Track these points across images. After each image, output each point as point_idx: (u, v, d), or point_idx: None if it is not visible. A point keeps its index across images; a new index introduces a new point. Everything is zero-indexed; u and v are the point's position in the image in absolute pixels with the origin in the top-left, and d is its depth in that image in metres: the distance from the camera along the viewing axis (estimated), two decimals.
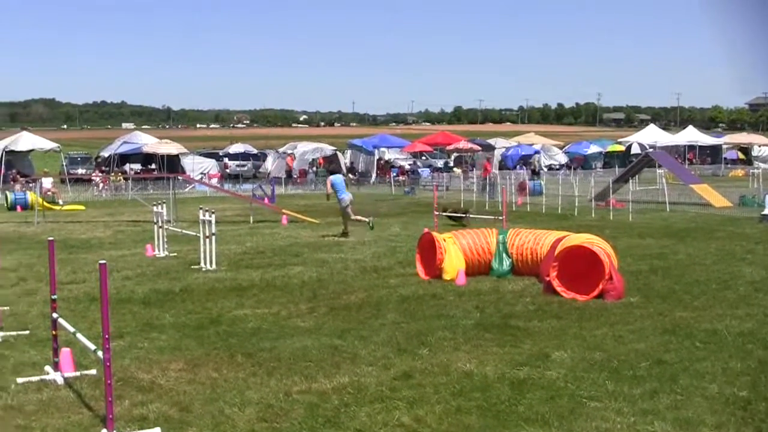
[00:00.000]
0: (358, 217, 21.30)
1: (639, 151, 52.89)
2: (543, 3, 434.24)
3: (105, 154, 49.59)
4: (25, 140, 44.81)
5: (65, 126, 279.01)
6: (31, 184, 35.22)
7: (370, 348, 9.46)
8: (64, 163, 47.02)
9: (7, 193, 32.94)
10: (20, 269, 15.61)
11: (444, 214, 22.66)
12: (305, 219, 25.06)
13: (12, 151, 43.47)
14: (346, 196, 20.88)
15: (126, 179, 42.10)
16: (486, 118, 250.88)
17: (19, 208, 31.21)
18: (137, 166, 47.65)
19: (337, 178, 21.37)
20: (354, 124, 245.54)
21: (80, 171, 48.31)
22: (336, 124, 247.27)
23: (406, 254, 16.79)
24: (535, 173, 43.65)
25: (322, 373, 8.39)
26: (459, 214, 23.50)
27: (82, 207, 31.89)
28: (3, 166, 42.08)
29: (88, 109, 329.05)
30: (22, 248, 18.93)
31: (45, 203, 29.33)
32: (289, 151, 51.04)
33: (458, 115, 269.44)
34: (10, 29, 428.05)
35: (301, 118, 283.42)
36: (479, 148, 52.63)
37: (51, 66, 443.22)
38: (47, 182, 34.54)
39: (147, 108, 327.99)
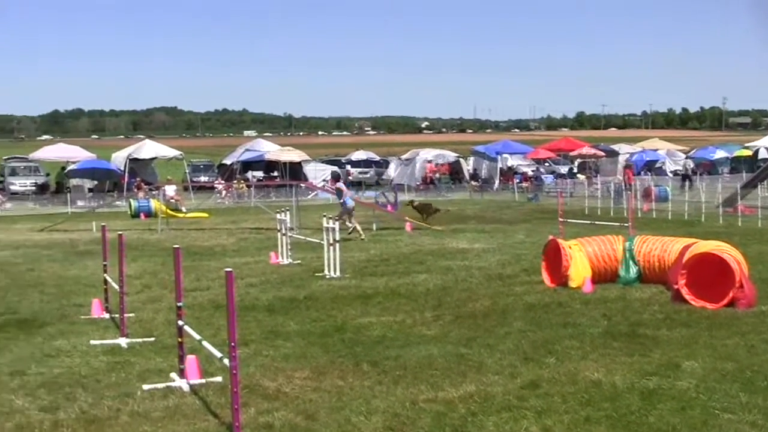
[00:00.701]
0: (352, 225, 22.91)
1: (767, 156, 51.66)
2: (666, 6, 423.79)
3: (227, 161, 51.56)
4: (149, 148, 47.23)
5: (186, 134, 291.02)
6: (154, 192, 37.06)
7: (496, 356, 9.59)
8: (187, 171, 49.21)
9: (131, 200, 34.79)
10: (145, 276, 16.56)
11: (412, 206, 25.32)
12: (429, 226, 25.43)
13: (135, 159, 45.84)
14: (351, 203, 23.62)
15: (249, 187, 43.67)
16: (609, 123, 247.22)
17: (142, 215, 32.91)
18: (260, 174, 49.33)
19: (342, 185, 24.78)
20: (470, 130, 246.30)
21: (203, 179, 50.36)
22: (468, 130, 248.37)
23: (531, 261, 16.90)
24: (686, 178, 43.11)
25: (448, 382, 8.55)
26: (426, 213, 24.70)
27: (206, 214, 33.27)
28: (126, 174, 44.45)
29: (209, 117, 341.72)
30: (146, 255, 20.04)
31: (168, 211, 30.85)
32: (429, 158, 51.94)
33: (581, 121, 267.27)
34: (134, 38, 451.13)
35: (423, 125, 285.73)
36: (603, 153, 52.33)
37: (173, 74, 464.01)
38: (170, 190, 36.25)
39: (268, 116, 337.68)
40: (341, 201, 23.97)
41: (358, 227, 23.04)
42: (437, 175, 50.94)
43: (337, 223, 16.70)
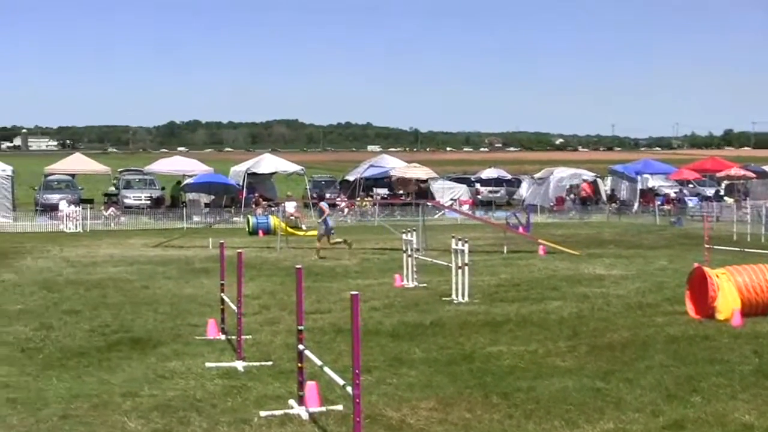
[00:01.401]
0: (323, 246, 25.49)
1: None
2: None
3: (350, 177, 52.38)
4: (268, 162, 48.42)
5: (307, 148, 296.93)
6: (273, 208, 38.10)
7: (636, 392, 9.49)
8: (308, 187, 50.26)
9: (249, 217, 35.85)
10: (263, 297, 17.05)
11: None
12: (564, 250, 25.20)
13: (254, 174, 47.08)
14: (331, 224, 26.40)
15: (373, 204, 44.26)
16: (760, 142, 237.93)
17: (261, 232, 33.87)
18: (384, 191, 49.91)
19: (325, 205, 26.96)
20: (602, 148, 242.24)
21: (325, 195, 51.49)
22: (601, 148, 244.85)
23: (674, 290, 16.60)
24: None
25: (584, 418, 8.53)
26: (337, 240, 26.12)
27: None
28: (245, 189, 45.74)
29: (331, 131, 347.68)
30: (264, 275, 20.64)
31: (288, 228, 31.66)
32: (585, 177, 51.54)
33: (728, 139, 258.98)
34: (254, 49, 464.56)
35: (557, 141, 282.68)
36: (754, 175, 50.77)
37: (294, 86, 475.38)
38: (290, 206, 37.14)
39: (393, 130, 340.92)
40: (321, 220, 26.04)
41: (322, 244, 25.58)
42: (573, 196, 50.33)
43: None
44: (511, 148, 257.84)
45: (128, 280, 19.81)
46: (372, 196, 47.72)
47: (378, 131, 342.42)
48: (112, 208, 41.00)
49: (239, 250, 11.67)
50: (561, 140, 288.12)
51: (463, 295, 16.27)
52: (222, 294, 12.95)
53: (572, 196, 50.29)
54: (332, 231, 26.35)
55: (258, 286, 18.60)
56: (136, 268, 22.29)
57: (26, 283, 19.27)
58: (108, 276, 20.60)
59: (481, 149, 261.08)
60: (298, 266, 8.91)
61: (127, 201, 45.89)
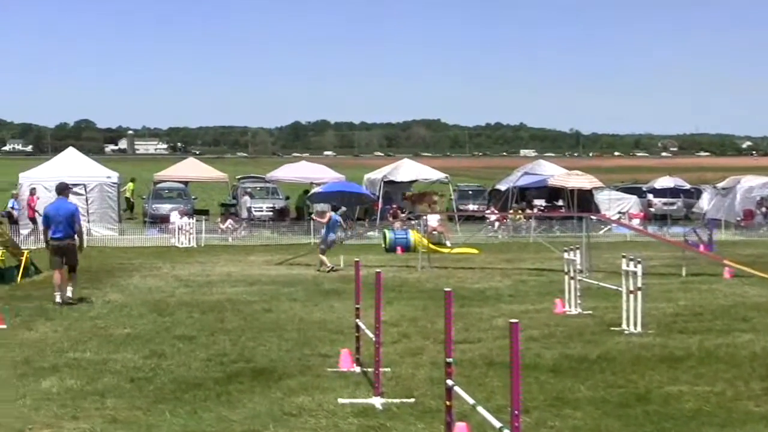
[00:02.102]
0: (325, 260, 27.59)
1: None
2: None
3: (501, 186, 52.27)
4: (407, 169, 48.77)
5: (451, 152, 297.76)
6: (413, 222, 38.38)
7: None
8: (453, 198, 50.41)
9: (386, 231, 36.22)
10: (402, 323, 17.21)
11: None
12: (755, 273, 24.49)
13: (391, 182, 47.57)
14: (333, 237, 28.63)
15: (527, 218, 44.04)
16: None
17: (399, 249, 34.20)
18: (541, 202, 49.57)
19: (337, 216, 29.32)
20: None
21: (471, 207, 51.43)
22: None
23: None
24: None
25: None
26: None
27: (475, 250, 34.07)
28: (381, 199, 46.22)
29: (479, 133, 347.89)
30: (404, 298, 20.82)
31: (431, 245, 31.85)
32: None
33: None
34: (391, 42, 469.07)
35: (744, 145, 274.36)
36: None
37: (435, 82, 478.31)
38: (433, 220, 37.26)
39: (550, 132, 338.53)
40: (326, 234, 28.39)
41: (325, 260, 27.53)
42: (765, 209, 48.77)
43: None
44: (690, 153, 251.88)
45: (248, 302, 20.30)
46: (525, 208, 47.41)
47: (533, 133, 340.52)
48: (229, 221, 42.04)
49: (377, 270, 11.80)
50: (749, 143, 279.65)
51: (635, 325, 16.06)
52: (357, 320, 13.13)
53: (764, 209, 48.75)
54: (332, 244, 28.70)
55: (397, 310, 18.78)
56: (258, 289, 22.84)
57: (134, 304, 19.99)
58: (225, 297, 21.16)
59: (655, 154, 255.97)
60: (447, 289, 8.95)
61: (245, 213, 46.96)
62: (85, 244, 21.55)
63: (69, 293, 20.19)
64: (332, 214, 29.57)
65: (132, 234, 40.07)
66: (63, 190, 20.90)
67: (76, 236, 20.20)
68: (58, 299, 19.75)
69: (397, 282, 24.20)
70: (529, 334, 15.75)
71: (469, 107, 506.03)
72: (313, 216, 29.63)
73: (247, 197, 47.18)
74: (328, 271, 27.06)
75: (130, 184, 53.94)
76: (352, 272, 26.15)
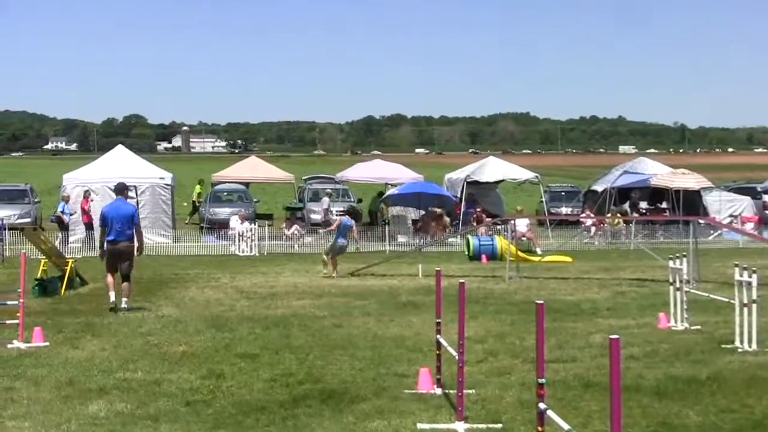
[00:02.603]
0: (327, 261, 29.31)
1: None
2: None
3: (598, 187, 51.81)
4: (493, 168, 48.43)
5: (541, 149, 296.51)
6: (500, 227, 38.25)
7: None
8: (544, 199, 50.05)
9: (469, 237, 36.16)
10: (488, 340, 17.16)
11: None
12: None
13: (475, 182, 47.35)
14: (343, 242, 29.73)
15: (627, 222, 43.63)
16: None
17: (484, 258, 34.16)
18: (643, 205, 49.06)
19: (350, 221, 30.37)
20: None
21: (564, 210, 51.05)
22: None
23: None
24: None
25: None
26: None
27: (569, 258, 34.03)
28: (463, 201, 46.07)
29: (572, 127, 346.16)
30: (489, 312, 20.77)
31: (519, 252, 31.73)
32: None
33: None
34: (473, 30, 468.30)
35: None
36: None
37: (523, 73, 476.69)
38: (522, 225, 37.13)
39: (653, 126, 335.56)
40: (336, 238, 29.47)
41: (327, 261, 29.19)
42: None
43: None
44: None
45: (317, 317, 20.43)
46: (624, 212, 46.93)
47: (633, 127, 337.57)
48: (295, 226, 42.20)
49: (460, 280, 11.80)
50: None
51: (749, 342, 15.86)
52: (438, 336, 13.13)
53: None
54: (341, 251, 29.91)
55: (482, 325, 18.80)
56: (326, 302, 22.97)
57: (190, 319, 20.19)
58: (291, 311, 21.31)
59: None
60: (538, 301, 8.94)
61: (314, 217, 47.12)
62: (144, 247, 22.61)
63: (124, 304, 21.01)
64: (344, 218, 30.45)
65: (188, 241, 40.44)
66: (122, 190, 21.99)
67: (135, 240, 21.26)
68: (113, 299, 21.02)
69: (482, 294, 24.20)
70: (630, 352, 15.63)
71: (561, 99, 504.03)
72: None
73: (326, 198, 47.31)
74: (326, 276, 28.60)
75: (198, 187, 54.52)
76: (426, 282, 26.33)
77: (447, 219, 42.57)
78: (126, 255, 21.13)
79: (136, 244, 21.48)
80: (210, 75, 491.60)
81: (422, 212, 46.29)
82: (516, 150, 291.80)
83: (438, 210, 42.66)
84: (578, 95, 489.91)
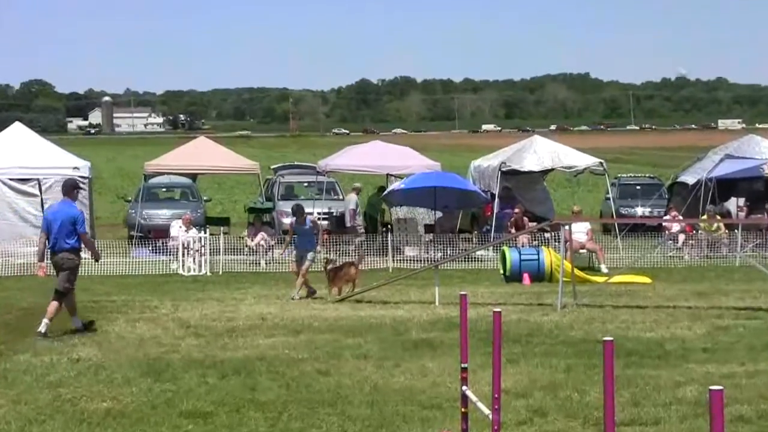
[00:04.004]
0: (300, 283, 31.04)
1: None
2: None
3: (687, 178, 51.63)
4: (538, 151, 48.12)
5: (604, 125, 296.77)
6: (548, 234, 38.20)
7: None
8: (611, 195, 49.90)
9: (506, 250, 35.73)
10: (534, 393, 17.14)
11: None
12: None
13: (513, 172, 47.29)
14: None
15: (730, 228, 43.46)
16: None
17: (526, 277, 34.12)
18: (752, 203, 48.87)
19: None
20: None
21: (640, 210, 51.08)
22: None
23: None
24: None
25: None
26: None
27: (647, 279, 34.19)
28: (497, 199, 45.95)
29: (650, 94, 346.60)
30: (535, 354, 20.76)
31: (577, 270, 31.62)
32: None
33: None
34: None
35: None
36: None
37: (579, 27, 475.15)
38: (580, 231, 37.11)
39: (766, 90, 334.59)
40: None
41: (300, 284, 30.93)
42: None
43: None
44: None
45: (293, 361, 20.42)
46: (726, 213, 46.94)
47: (738, 93, 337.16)
48: (262, 235, 42.21)
49: (494, 309, 11.78)
50: None
51: None
52: (464, 388, 13.11)
53: None
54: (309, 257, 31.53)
55: (526, 373, 18.83)
56: (307, 340, 22.98)
57: (117, 364, 20.17)
58: (257, 353, 21.31)
59: None
60: (605, 339, 8.89)
61: (287, 221, 47.16)
62: (99, 254, 25.88)
63: (42, 326, 22.73)
64: (309, 216, 32.54)
65: (111, 256, 40.39)
66: (69, 189, 24.68)
67: (72, 250, 23.77)
68: (42, 328, 22.94)
69: (525, 328, 24.23)
70: (738, 412, 15.69)
71: (634, 54, 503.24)
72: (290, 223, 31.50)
73: (353, 195, 47.09)
74: (294, 298, 30.21)
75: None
76: (445, 312, 26.27)
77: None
78: (62, 267, 23.47)
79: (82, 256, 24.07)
80: (140, 26, 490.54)
81: (438, 214, 46.23)
82: (571, 126, 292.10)
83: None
84: (658, 48, 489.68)
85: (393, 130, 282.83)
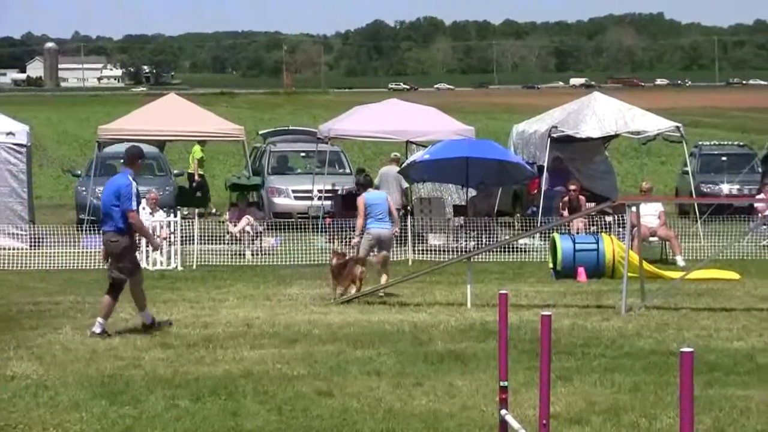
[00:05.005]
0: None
1: None
2: None
3: None
4: (599, 113, 47.97)
5: (683, 79, 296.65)
6: (610, 218, 38.23)
7: None
8: (690, 169, 49.97)
9: (556, 237, 35.64)
10: (592, 418, 17.10)
11: None
12: None
13: (567, 139, 47.30)
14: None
15: None
16: None
17: (581, 272, 34.31)
18: None
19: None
20: None
21: (725, 188, 51.14)
22: None
23: None
24: None
25: None
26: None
27: (734, 274, 34.32)
28: (545, 174, 45.97)
29: (741, 39, 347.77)
30: (593, 369, 20.77)
31: (647, 264, 31.56)
32: None
33: None
34: None
35: None
36: None
37: None
38: (650, 214, 37.09)
39: None
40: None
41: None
42: None
43: None
44: None
45: (287, 379, 20.51)
46: None
47: None
48: (247, 218, 42.26)
49: (542, 313, 11.83)
50: None
51: None
52: (503, 411, 13.19)
53: None
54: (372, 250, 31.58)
55: (580, 392, 18.86)
56: (304, 352, 23.07)
57: (62, 383, 20.21)
58: (242, 368, 21.39)
59: None
60: (684, 349, 8.95)
61: (279, 202, 47.14)
62: (157, 243, 28.43)
63: (97, 326, 24.32)
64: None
65: (56, 245, 40.44)
66: (130, 159, 26.15)
67: (118, 231, 24.73)
68: (96, 328, 24.54)
69: (581, 337, 24.34)
70: None
71: None
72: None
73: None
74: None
75: (197, 147, 54.65)
76: (479, 315, 26.32)
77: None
78: (109, 252, 24.80)
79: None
80: None
81: (472, 193, 46.08)
82: (642, 80, 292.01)
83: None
84: None
85: (436, 86, 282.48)
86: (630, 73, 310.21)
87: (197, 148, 54.51)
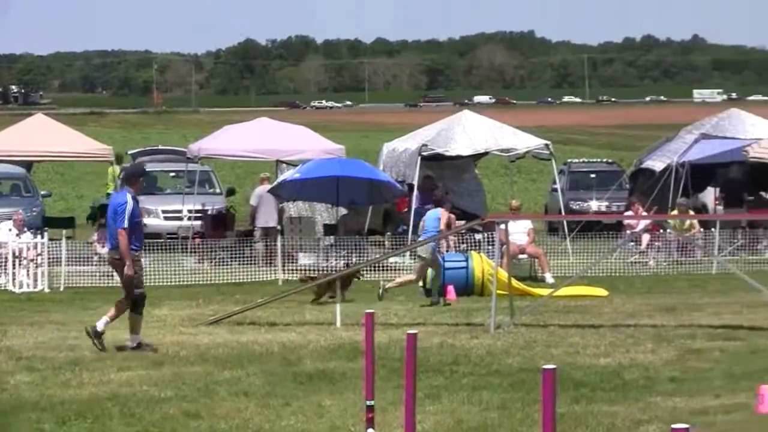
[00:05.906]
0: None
1: None
2: None
3: (654, 164, 52.02)
4: (469, 131, 48.40)
5: (552, 96, 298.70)
6: (479, 236, 38.33)
7: None
8: (559, 186, 50.20)
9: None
10: None
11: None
12: None
13: (437, 157, 47.46)
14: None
15: (706, 226, 43.83)
16: None
17: (450, 290, 33.86)
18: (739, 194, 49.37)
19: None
20: None
21: (593, 204, 51.54)
22: None
23: None
24: None
25: None
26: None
27: (602, 291, 34.51)
28: (415, 192, 46.20)
29: (609, 57, 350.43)
30: (461, 387, 20.77)
31: (515, 281, 31.74)
32: None
33: None
34: None
35: None
36: None
37: None
38: (519, 231, 37.23)
39: (753, 53, 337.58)
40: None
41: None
42: None
43: None
44: None
45: (154, 401, 20.42)
46: (701, 206, 47.45)
47: (718, 57, 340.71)
48: None
49: (408, 331, 11.89)
50: None
51: None
52: (370, 431, 13.21)
53: None
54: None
55: (448, 411, 18.88)
56: (171, 374, 23.00)
57: None
58: (109, 391, 21.27)
59: None
60: (546, 366, 9.02)
61: (149, 223, 47.04)
62: (132, 269, 25.53)
63: (129, 341, 25.18)
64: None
65: None
66: (129, 177, 27.30)
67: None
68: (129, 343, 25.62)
69: (450, 355, 24.42)
70: None
71: (588, 10, 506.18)
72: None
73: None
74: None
75: (112, 168, 54.03)
76: (348, 334, 26.36)
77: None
78: (117, 270, 25.90)
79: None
80: None
81: (342, 212, 46.17)
82: (513, 97, 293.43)
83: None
84: (619, 3, 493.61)
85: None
86: (500, 91, 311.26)
87: (112, 168, 53.92)
